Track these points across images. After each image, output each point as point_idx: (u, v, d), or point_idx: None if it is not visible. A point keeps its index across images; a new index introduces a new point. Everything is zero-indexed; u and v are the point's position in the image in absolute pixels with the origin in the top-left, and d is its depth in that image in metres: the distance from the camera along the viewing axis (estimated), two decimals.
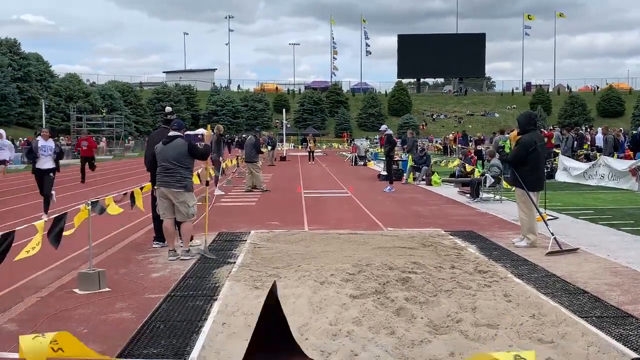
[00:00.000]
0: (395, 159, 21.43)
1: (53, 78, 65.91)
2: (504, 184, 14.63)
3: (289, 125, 69.05)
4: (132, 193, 8.48)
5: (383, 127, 19.78)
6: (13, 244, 5.19)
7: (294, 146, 66.29)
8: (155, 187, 8.17)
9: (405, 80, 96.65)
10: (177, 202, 7.99)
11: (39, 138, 12.80)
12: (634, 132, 26.66)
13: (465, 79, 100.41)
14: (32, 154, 12.56)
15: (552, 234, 8.41)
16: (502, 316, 5.16)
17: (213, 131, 14.86)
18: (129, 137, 61.78)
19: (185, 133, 9.00)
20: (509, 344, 4.52)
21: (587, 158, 22.11)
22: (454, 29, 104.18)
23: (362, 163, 33.38)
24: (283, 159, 38.44)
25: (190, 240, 8.43)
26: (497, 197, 14.82)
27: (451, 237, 9.46)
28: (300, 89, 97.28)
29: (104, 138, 53.27)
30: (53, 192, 12.72)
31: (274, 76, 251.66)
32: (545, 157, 9.64)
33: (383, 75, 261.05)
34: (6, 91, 54.64)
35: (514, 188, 9.36)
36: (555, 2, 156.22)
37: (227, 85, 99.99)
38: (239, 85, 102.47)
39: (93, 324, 5.30)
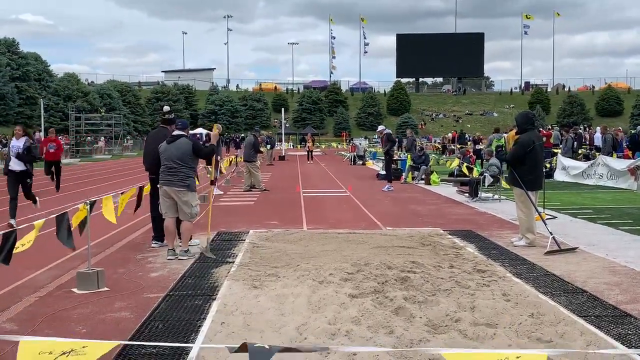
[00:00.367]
0: (395, 158, 21.44)
1: (52, 77, 65.79)
2: (503, 183, 14.64)
3: (287, 125, 68.99)
4: (140, 193, 8.45)
5: (381, 127, 19.77)
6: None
7: (292, 146, 66.29)
8: (159, 186, 8.17)
9: (404, 80, 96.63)
10: (180, 201, 8.00)
11: (13, 137, 11.96)
12: (633, 131, 26.69)
13: (464, 78, 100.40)
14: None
15: (551, 233, 8.41)
16: (500, 315, 5.17)
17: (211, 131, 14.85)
18: (128, 137, 61.73)
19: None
20: (507, 343, 4.52)
21: (586, 157, 22.14)
22: (453, 29, 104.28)
23: (360, 162, 33.39)
24: (282, 158, 38.44)
25: (190, 240, 8.43)
26: (496, 196, 14.83)
27: (450, 236, 9.46)
28: (299, 89, 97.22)
29: (103, 137, 53.26)
30: (37, 198, 12.13)
31: (273, 76, 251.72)
32: (543, 157, 9.64)
33: (382, 74, 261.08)
34: (5, 91, 54.58)
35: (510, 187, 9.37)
36: (554, 1, 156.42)
37: (225, 85, 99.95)
38: (237, 84, 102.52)
39: (92, 324, 5.30)
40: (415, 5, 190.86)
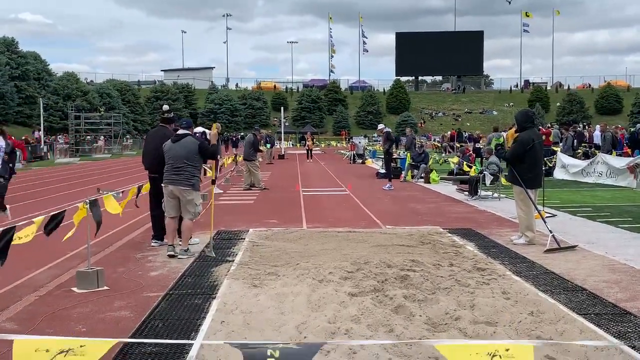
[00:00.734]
0: (394, 156, 21.43)
1: (51, 77, 65.70)
2: (502, 180, 14.64)
3: (287, 124, 68.98)
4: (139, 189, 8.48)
5: (381, 125, 19.78)
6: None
7: (292, 144, 66.26)
8: (163, 185, 8.17)
9: (403, 78, 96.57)
10: (185, 200, 8.01)
11: None
12: (632, 129, 26.71)
13: (464, 76, 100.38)
14: None
15: (551, 231, 8.42)
16: (500, 314, 5.17)
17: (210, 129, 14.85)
18: (127, 136, 61.70)
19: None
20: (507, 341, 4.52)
21: (586, 155, 22.14)
22: (452, 27, 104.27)
23: (360, 161, 33.38)
24: (281, 157, 38.44)
25: (189, 239, 8.43)
26: (496, 194, 14.83)
27: (449, 234, 9.47)
28: (298, 87, 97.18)
29: (102, 137, 53.21)
30: (7, 206, 11.14)
31: (272, 74, 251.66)
32: (543, 155, 9.65)
33: (381, 73, 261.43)
34: (4, 90, 54.49)
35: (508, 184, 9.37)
36: None
37: (225, 84, 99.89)
38: (237, 83, 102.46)
39: (91, 323, 5.30)
40: (414, 4, 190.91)
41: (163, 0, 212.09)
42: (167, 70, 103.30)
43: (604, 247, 8.40)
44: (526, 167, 8.69)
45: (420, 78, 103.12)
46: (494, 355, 2.18)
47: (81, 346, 2.22)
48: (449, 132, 52.83)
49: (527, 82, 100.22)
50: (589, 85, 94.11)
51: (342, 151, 47.96)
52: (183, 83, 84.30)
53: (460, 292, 5.85)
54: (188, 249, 8.17)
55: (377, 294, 5.76)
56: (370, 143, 53.58)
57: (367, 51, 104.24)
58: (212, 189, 9.22)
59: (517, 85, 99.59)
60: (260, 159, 19.96)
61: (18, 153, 15.46)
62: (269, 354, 2.16)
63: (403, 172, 21.03)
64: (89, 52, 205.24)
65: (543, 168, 9.49)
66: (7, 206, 11.35)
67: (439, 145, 49.47)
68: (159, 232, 8.78)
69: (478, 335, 4.66)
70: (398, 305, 5.37)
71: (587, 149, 23.43)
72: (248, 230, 10.03)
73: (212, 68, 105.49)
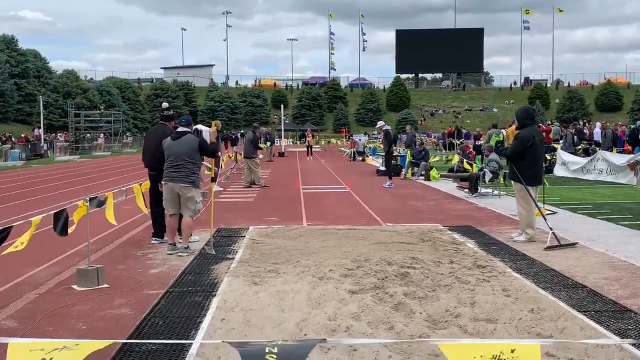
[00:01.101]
0: (394, 154, 21.42)
1: (51, 74, 65.67)
2: (501, 180, 14.63)
3: (287, 121, 68.92)
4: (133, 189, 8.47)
5: (380, 123, 19.76)
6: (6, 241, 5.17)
7: (292, 142, 66.23)
8: (163, 182, 8.17)
9: (403, 76, 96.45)
10: (184, 197, 8.01)
11: None
12: (632, 126, 26.69)
13: (464, 74, 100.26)
14: None
15: (551, 228, 8.41)
16: (500, 311, 5.17)
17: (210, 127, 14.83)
18: (127, 134, 61.69)
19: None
20: (507, 338, 4.52)
21: (586, 153, 22.13)
22: (452, 24, 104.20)
23: (360, 158, 33.36)
24: (281, 154, 38.42)
25: (190, 237, 8.43)
26: (496, 192, 14.82)
27: (450, 232, 9.46)
28: (298, 85, 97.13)
29: (102, 134, 53.20)
30: None
31: (272, 72, 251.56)
32: (544, 152, 9.64)
33: (381, 70, 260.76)
34: (4, 88, 54.45)
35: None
36: None
37: (225, 81, 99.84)
38: (237, 81, 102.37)
39: (92, 320, 5.30)
40: (414, 1, 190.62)
41: None
42: (167, 68, 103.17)
43: (604, 244, 8.40)
44: (527, 165, 8.68)
45: (420, 75, 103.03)
46: (499, 358, 2.16)
47: (76, 344, 2.22)
48: (447, 130, 52.90)
49: (527, 79, 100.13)
50: (586, 82, 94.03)
51: (342, 149, 47.96)
52: (183, 80, 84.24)
53: (460, 290, 5.85)
54: (188, 246, 8.17)
55: (377, 292, 5.76)
56: (371, 140, 53.51)
57: (365, 48, 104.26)
58: (212, 186, 9.22)
59: (516, 83, 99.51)
60: (260, 157, 19.95)
61: None
62: (267, 351, 2.15)
63: (403, 170, 21.02)
64: (89, 50, 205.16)
65: (543, 165, 9.48)
66: None
67: (436, 142, 49.54)
68: (159, 230, 8.78)
69: (478, 333, 4.66)
70: (398, 302, 5.37)
71: (588, 146, 23.42)
72: (248, 228, 10.03)
73: (212, 65, 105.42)
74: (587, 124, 38.50)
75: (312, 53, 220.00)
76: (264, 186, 17.57)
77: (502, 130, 27.60)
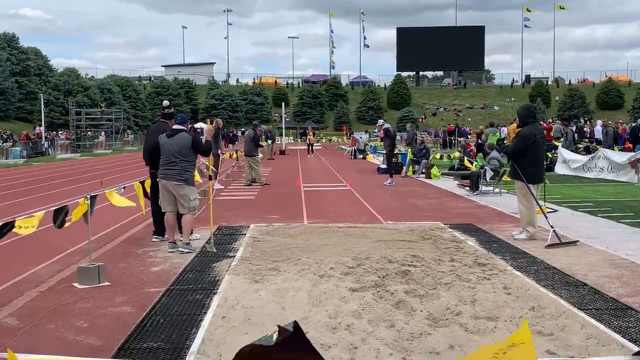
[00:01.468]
0: (395, 152, 21.41)
1: (52, 72, 65.72)
2: (505, 177, 14.63)
3: (288, 119, 68.92)
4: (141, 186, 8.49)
5: (380, 121, 19.75)
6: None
7: (293, 140, 66.22)
8: (158, 180, 8.19)
9: (404, 74, 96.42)
10: (178, 195, 8.03)
11: None
12: (634, 124, 26.66)
13: (465, 71, 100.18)
14: None
15: (552, 226, 8.41)
16: (501, 309, 5.17)
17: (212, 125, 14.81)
18: (128, 132, 61.69)
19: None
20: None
21: (587, 150, 22.12)
22: (453, 22, 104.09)
23: (361, 156, 33.37)
24: (282, 152, 38.43)
25: (190, 234, 8.44)
26: (497, 189, 14.82)
27: (450, 230, 9.46)
28: (299, 83, 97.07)
29: (103, 132, 53.22)
30: None
31: (273, 70, 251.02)
32: (545, 150, 9.63)
33: (382, 68, 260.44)
34: (5, 85, 54.47)
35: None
36: None
37: (226, 79, 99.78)
38: (237, 79, 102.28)
39: (93, 318, 5.30)
40: None
41: None
42: (167, 66, 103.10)
43: (605, 242, 8.39)
44: (528, 162, 8.68)
45: (421, 73, 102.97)
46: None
47: None
48: (447, 128, 52.95)
49: (528, 77, 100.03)
50: (584, 80, 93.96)
51: (343, 147, 47.95)
52: (184, 78, 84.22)
53: (461, 287, 5.85)
54: (189, 242, 8.18)
55: (378, 289, 5.76)
56: (371, 138, 53.49)
57: (368, 46, 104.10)
58: (211, 184, 9.23)
59: (517, 80, 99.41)
60: (261, 155, 19.96)
61: None
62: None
63: (404, 168, 21.02)
64: (89, 48, 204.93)
65: (544, 163, 9.47)
66: None
67: (434, 140, 49.63)
68: (160, 228, 8.78)
69: (479, 331, 4.66)
70: (399, 300, 5.37)
71: (589, 144, 23.40)
72: (249, 226, 10.03)
73: (212, 63, 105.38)
74: (588, 122, 38.48)
75: (312, 51, 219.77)
76: (265, 184, 17.57)
77: (503, 128, 27.62)
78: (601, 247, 8.07)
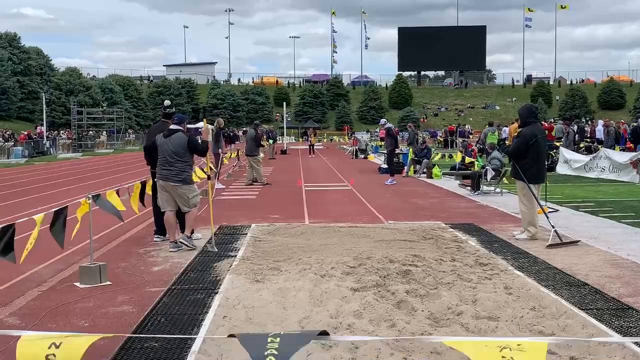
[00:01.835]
0: (396, 151, 21.41)
1: (53, 72, 65.77)
2: (505, 179, 14.61)
3: (289, 119, 68.93)
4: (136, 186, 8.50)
5: (382, 120, 19.75)
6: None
7: (294, 139, 66.23)
8: (156, 180, 8.20)
9: (405, 73, 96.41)
10: (176, 195, 8.04)
11: None
12: (635, 124, 26.63)
13: (466, 71, 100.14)
14: None
15: (553, 226, 8.41)
16: (502, 309, 5.17)
17: (213, 125, 14.85)
18: (129, 131, 61.72)
19: (187, 127, 9.00)
20: (509, 336, 4.52)
21: (588, 150, 22.10)
22: (455, 22, 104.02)
23: (362, 156, 33.35)
24: (284, 152, 38.42)
25: (191, 234, 8.44)
26: (498, 189, 14.80)
27: (452, 229, 9.46)
28: (300, 82, 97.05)
29: (105, 132, 53.24)
30: None
31: (274, 69, 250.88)
32: (546, 150, 9.63)
33: (383, 68, 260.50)
34: (6, 85, 54.50)
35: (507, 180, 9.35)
36: None
37: (227, 79, 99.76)
38: (239, 78, 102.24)
39: (94, 318, 5.31)
40: None
41: None
42: (169, 66, 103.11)
43: (606, 242, 8.39)
44: (529, 162, 8.67)
45: (422, 73, 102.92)
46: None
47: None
48: (447, 127, 52.98)
49: (529, 77, 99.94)
50: (582, 80, 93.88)
51: (344, 146, 47.93)
52: (185, 78, 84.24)
53: (462, 287, 5.85)
54: (191, 236, 8.20)
55: (379, 289, 5.76)
56: (373, 138, 53.49)
57: (368, 46, 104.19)
58: (210, 184, 9.23)
59: (519, 80, 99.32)
60: (262, 155, 19.96)
61: None
62: (269, 340, 2.17)
63: (405, 167, 21.01)
64: (90, 47, 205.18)
65: (546, 163, 9.47)
66: None
67: (441, 140, 49.57)
68: (161, 227, 8.79)
69: (480, 330, 4.67)
70: (400, 300, 5.38)
71: (590, 144, 23.37)
72: (250, 226, 10.03)
73: (214, 63, 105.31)
74: (589, 122, 38.45)
75: (314, 51, 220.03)
76: (266, 184, 17.57)
77: (504, 128, 27.57)
78: (602, 247, 8.06)
